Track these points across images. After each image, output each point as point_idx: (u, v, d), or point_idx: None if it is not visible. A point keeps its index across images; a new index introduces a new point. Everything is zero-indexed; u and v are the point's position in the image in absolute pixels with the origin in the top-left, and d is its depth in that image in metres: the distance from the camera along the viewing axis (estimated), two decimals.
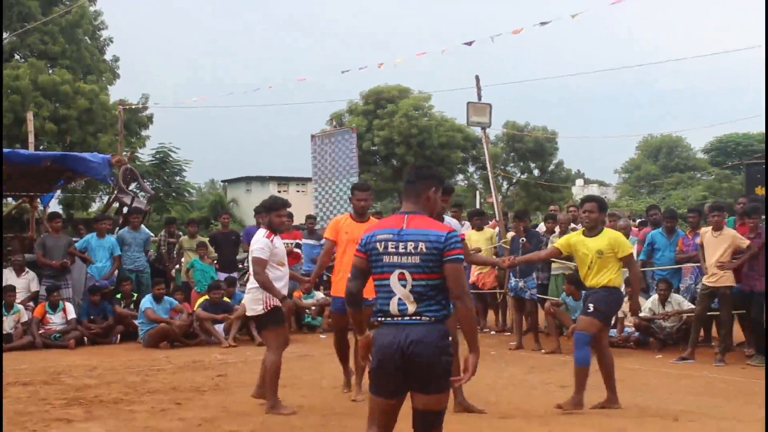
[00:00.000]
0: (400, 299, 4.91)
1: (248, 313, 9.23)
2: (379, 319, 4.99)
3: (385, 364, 4.89)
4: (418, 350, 4.80)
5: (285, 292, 8.89)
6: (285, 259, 9.05)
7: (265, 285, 8.63)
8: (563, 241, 9.15)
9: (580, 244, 8.83)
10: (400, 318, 4.90)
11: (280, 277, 8.83)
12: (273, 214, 8.98)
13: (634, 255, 9.05)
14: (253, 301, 8.86)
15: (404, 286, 4.91)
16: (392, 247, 4.96)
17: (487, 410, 8.51)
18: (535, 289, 14.04)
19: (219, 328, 14.42)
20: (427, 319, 4.87)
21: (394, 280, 4.93)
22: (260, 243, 8.76)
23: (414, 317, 4.88)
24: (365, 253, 5.08)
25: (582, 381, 8.55)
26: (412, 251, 4.91)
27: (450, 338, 4.99)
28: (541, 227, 15.89)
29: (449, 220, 8.69)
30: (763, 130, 59.87)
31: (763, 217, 13.00)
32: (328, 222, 19.32)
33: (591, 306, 8.65)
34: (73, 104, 34.00)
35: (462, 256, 4.99)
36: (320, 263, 10.38)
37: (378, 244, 5.01)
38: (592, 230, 8.81)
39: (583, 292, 9.71)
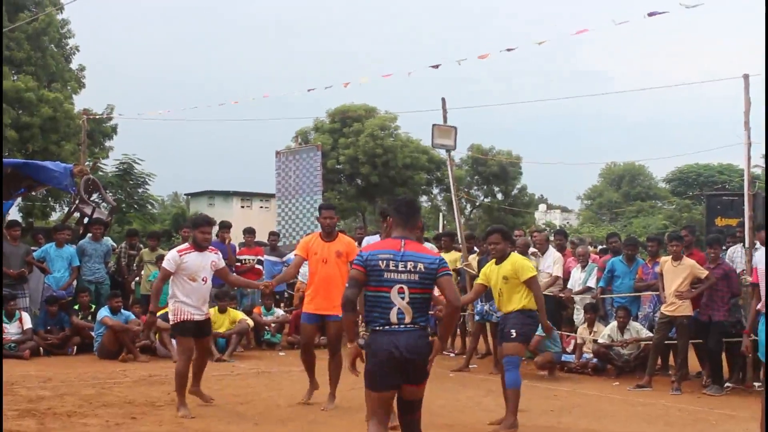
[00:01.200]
0: (399, 310, 5.88)
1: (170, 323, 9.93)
2: (377, 327, 5.90)
3: (386, 363, 5.85)
4: (415, 351, 5.85)
5: (204, 307, 9.63)
6: (200, 274, 9.49)
7: (153, 292, 9.78)
8: (482, 274, 9.52)
9: (491, 273, 9.26)
10: (398, 326, 5.88)
11: (191, 291, 9.42)
12: (197, 230, 9.60)
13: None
14: (170, 312, 9.62)
15: (403, 298, 5.89)
16: (393, 266, 5.93)
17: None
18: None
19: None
20: (419, 326, 5.92)
21: (394, 294, 5.90)
22: (169, 255, 9.61)
23: (410, 325, 5.89)
24: (364, 268, 5.97)
25: (515, 402, 8.82)
26: (412, 270, 5.93)
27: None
28: None
29: (427, 244, 9.11)
30: (722, 161, 60.72)
31: (723, 247, 13.17)
32: (291, 239, 19.32)
33: (513, 332, 8.97)
34: (36, 112, 33.71)
35: (450, 272, 6.15)
36: (287, 274, 11.08)
37: (380, 262, 5.95)
38: (500, 259, 9.17)
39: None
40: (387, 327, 5.90)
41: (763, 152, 27.47)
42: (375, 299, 5.97)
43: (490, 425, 8.85)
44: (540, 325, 9.34)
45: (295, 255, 10.39)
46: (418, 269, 5.93)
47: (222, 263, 9.90)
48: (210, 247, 9.79)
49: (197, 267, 9.45)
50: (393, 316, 5.89)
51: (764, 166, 33.38)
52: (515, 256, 9.20)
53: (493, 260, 9.28)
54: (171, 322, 9.67)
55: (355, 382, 11.89)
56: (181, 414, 9.18)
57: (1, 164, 14.67)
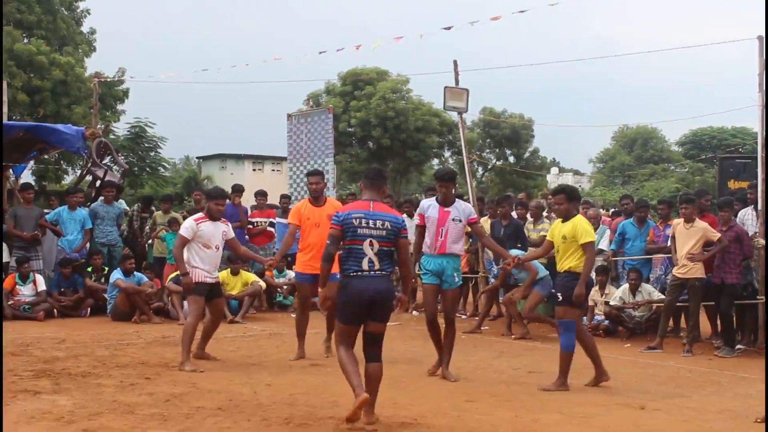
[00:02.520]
0: (369, 259, 7.15)
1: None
2: (351, 273, 7.17)
3: (356, 302, 7.17)
4: (382, 293, 7.20)
5: (214, 272, 10.30)
6: (213, 242, 10.16)
7: (177, 258, 10.17)
8: (550, 231, 9.69)
9: (555, 230, 9.36)
10: (368, 272, 7.16)
11: (205, 257, 10.09)
12: (212, 202, 10.26)
13: (595, 245, 9.21)
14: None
15: (372, 250, 7.16)
16: (365, 223, 7.19)
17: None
18: (523, 275, 13.97)
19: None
20: (385, 273, 7.24)
21: (366, 246, 7.16)
22: (186, 223, 10.27)
23: (378, 271, 7.19)
24: (341, 226, 7.22)
25: (566, 365, 9.05)
26: (380, 227, 7.21)
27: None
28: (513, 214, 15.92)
29: (460, 202, 9.91)
30: (736, 124, 60.45)
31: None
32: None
33: (559, 296, 9.18)
34: (47, 75, 33.71)
35: (407, 235, 7.45)
36: (285, 244, 11.32)
37: (354, 220, 7.19)
38: (565, 219, 9.22)
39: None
40: (359, 273, 7.16)
41: None
42: (349, 250, 7.22)
43: (542, 390, 8.92)
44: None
45: (289, 224, 11.07)
46: (385, 226, 7.22)
47: (232, 233, 10.53)
48: (222, 218, 10.40)
49: (211, 235, 10.11)
50: (365, 264, 7.16)
51: None
52: (579, 219, 9.15)
53: (560, 219, 9.38)
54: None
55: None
56: (188, 369, 9.60)
57: (0, 137, 14.65)
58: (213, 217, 10.15)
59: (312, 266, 10.30)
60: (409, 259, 7.78)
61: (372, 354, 7.32)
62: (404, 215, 16.50)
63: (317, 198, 10.80)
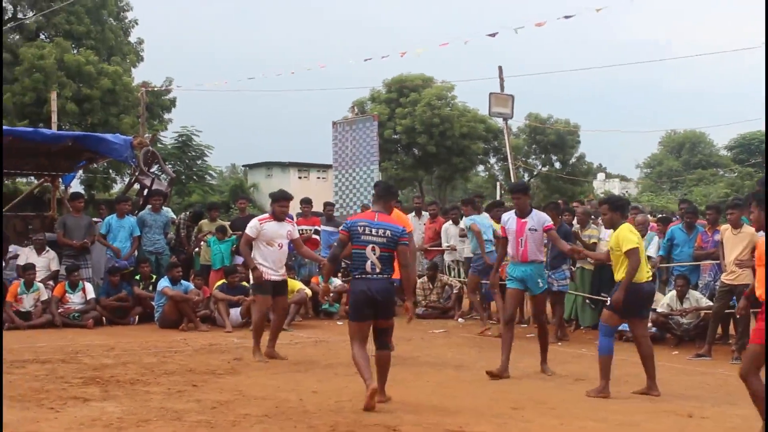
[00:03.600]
0: (372, 263, 8.14)
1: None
2: (357, 275, 8.25)
3: (361, 301, 8.20)
4: (381, 292, 8.18)
5: (280, 270, 11.24)
6: (276, 240, 11.09)
7: (243, 254, 11.39)
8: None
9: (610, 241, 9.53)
10: (371, 275, 8.16)
11: (268, 255, 11.07)
12: (275, 204, 11.28)
13: (640, 251, 9.09)
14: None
15: (374, 254, 8.15)
16: (368, 231, 8.22)
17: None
18: (565, 281, 14.03)
19: (236, 311, 14.52)
20: (387, 276, 8.23)
21: (368, 251, 8.16)
22: (252, 223, 11.30)
23: (378, 274, 8.18)
24: (348, 232, 8.33)
25: (604, 369, 9.06)
26: (382, 235, 8.20)
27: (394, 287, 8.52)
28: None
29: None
30: None
31: None
32: (348, 209, 19.39)
33: (608, 300, 9.33)
34: (96, 85, 34.11)
35: (407, 243, 8.56)
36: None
37: (359, 227, 8.25)
38: (613, 228, 9.35)
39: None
40: (363, 275, 8.19)
41: None
42: (356, 255, 8.25)
43: (587, 395, 8.93)
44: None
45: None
46: (385, 234, 8.19)
47: (296, 233, 11.52)
48: (287, 218, 11.41)
49: (274, 234, 11.06)
50: (368, 267, 8.15)
51: None
52: (622, 228, 9.16)
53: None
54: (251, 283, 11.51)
55: (412, 350, 11.97)
56: (257, 359, 10.86)
57: (1, 141, 14.81)
58: (277, 218, 11.12)
59: None
60: (408, 264, 8.68)
61: (381, 342, 8.39)
62: (449, 222, 16.62)
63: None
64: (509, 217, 10.52)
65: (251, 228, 11.12)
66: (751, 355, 6.93)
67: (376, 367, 8.24)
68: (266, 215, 11.47)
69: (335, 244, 8.70)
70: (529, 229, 10.24)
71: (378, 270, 8.15)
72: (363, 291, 8.16)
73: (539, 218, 10.38)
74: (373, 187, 8.84)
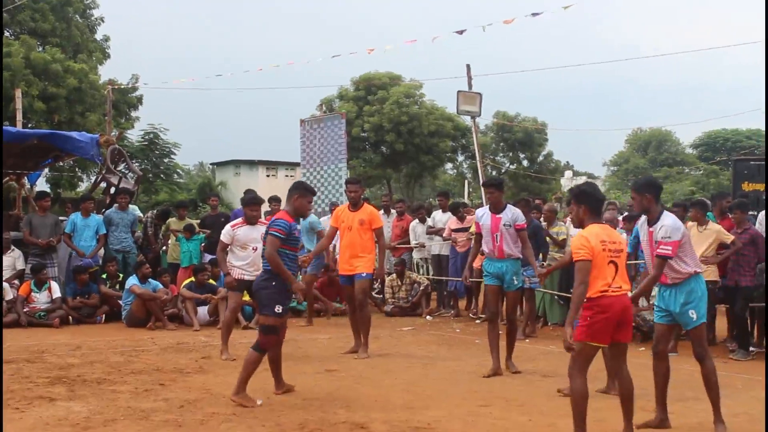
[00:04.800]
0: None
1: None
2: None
3: None
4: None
5: (254, 269, 10.86)
6: (250, 244, 11.25)
7: (218, 260, 11.70)
8: None
9: None
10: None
11: (241, 258, 11.28)
12: (247, 208, 11.56)
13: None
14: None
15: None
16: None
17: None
18: (536, 277, 14.02)
19: (203, 309, 14.49)
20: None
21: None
22: (225, 229, 11.53)
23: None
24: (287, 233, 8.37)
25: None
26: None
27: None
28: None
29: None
30: (751, 126, 60.27)
31: (751, 213, 13.06)
32: (316, 207, 19.40)
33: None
34: (62, 83, 33.83)
35: (275, 234, 8.36)
36: (320, 246, 12.24)
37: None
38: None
39: None
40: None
41: None
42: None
43: (558, 392, 8.86)
44: None
45: (330, 227, 11.93)
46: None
47: None
48: (261, 220, 11.61)
49: (246, 238, 11.26)
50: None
51: None
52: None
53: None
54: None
55: (380, 348, 11.99)
56: (224, 357, 10.88)
57: (1, 147, 14.71)
58: (249, 221, 11.34)
59: (346, 268, 11.54)
60: (271, 257, 8.35)
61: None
62: (416, 221, 16.74)
63: (355, 204, 11.65)
64: (484, 213, 10.45)
65: (225, 235, 11.38)
66: (577, 354, 6.78)
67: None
68: (239, 220, 11.60)
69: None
70: (504, 225, 10.16)
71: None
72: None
73: (513, 214, 10.27)
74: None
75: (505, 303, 10.90)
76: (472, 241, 10.61)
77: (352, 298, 11.66)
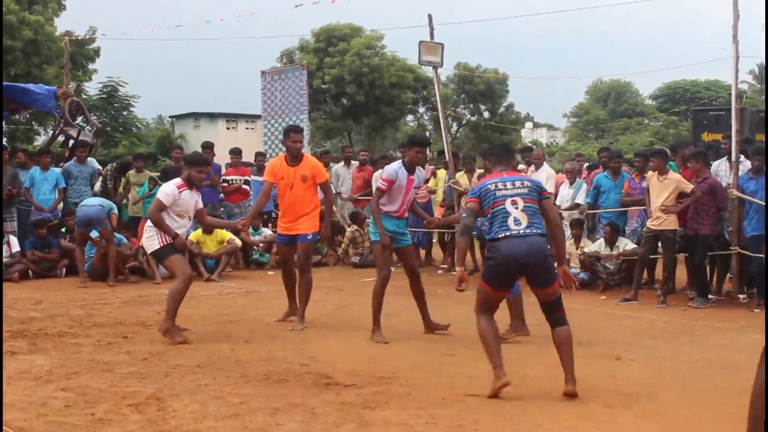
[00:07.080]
0: (515, 218, 6.75)
1: (147, 251, 9.90)
2: (500, 236, 6.73)
3: (505, 266, 6.76)
4: (536, 253, 6.72)
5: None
6: (188, 213, 9.55)
7: (157, 223, 9.24)
8: None
9: None
10: (517, 232, 6.69)
11: (176, 227, 9.32)
12: (193, 169, 9.53)
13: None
14: (148, 239, 9.47)
15: (516, 208, 6.78)
16: (501, 186, 6.90)
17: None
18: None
19: None
20: (538, 232, 6.76)
21: (508, 205, 6.81)
22: (168, 189, 9.42)
23: (527, 229, 6.72)
24: (478, 198, 6.95)
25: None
26: (519, 186, 6.92)
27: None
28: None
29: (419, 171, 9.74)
30: (710, 77, 60.67)
31: (712, 162, 13.17)
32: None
33: None
34: (18, 35, 33.26)
35: (548, 196, 7.14)
36: (258, 204, 11.20)
37: (490, 185, 6.93)
38: None
39: None
40: (508, 234, 6.73)
41: (751, 68, 27.30)
42: (493, 215, 6.86)
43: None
44: None
45: (264, 181, 10.51)
46: (524, 185, 6.94)
47: (201, 204, 9.84)
48: (213, 169, 10.21)
49: (187, 205, 9.48)
50: (511, 223, 6.74)
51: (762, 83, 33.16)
52: None
53: None
54: (156, 248, 9.38)
55: (343, 299, 11.99)
56: (178, 340, 8.99)
57: (1, 94, 14.49)
58: (193, 184, 9.52)
59: (288, 228, 10.18)
60: (559, 222, 7.39)
61: (555, 320, 6.95)
62: (379, 171, 16.66)
63: (295, 157, 10.10)
64: (400, 171, 9.45)
65: (168, 195, 9.32)
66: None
67: (558, 349, 6.98)
68: (181, 181, 9.53)
69: (464, 214, 7.18)
70: (415, 187, 9.67)
71: (524, 225, 6.74)
72: (508, 255, 6.68)
73: (420, 174, 9.73)
74: (488, 152, 7.73)
75: (406, 257, 9.96)
76: (384, 197, 9.47)
77: (288, 260, 10.52)
